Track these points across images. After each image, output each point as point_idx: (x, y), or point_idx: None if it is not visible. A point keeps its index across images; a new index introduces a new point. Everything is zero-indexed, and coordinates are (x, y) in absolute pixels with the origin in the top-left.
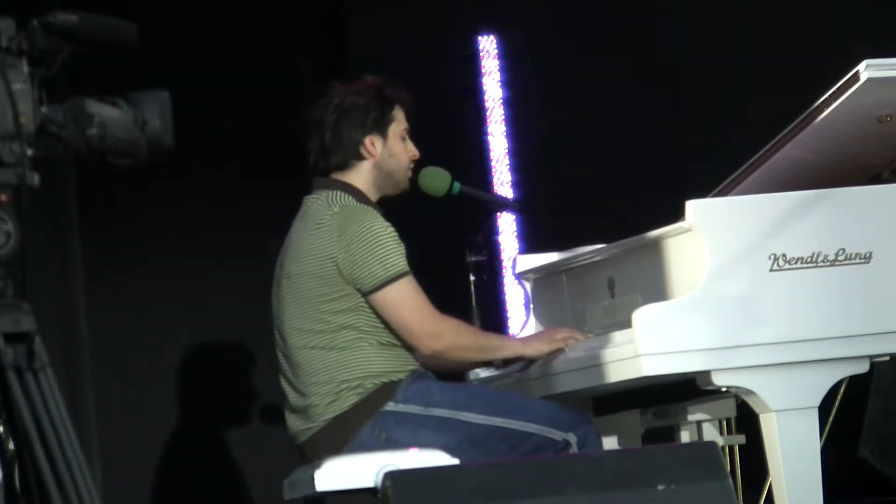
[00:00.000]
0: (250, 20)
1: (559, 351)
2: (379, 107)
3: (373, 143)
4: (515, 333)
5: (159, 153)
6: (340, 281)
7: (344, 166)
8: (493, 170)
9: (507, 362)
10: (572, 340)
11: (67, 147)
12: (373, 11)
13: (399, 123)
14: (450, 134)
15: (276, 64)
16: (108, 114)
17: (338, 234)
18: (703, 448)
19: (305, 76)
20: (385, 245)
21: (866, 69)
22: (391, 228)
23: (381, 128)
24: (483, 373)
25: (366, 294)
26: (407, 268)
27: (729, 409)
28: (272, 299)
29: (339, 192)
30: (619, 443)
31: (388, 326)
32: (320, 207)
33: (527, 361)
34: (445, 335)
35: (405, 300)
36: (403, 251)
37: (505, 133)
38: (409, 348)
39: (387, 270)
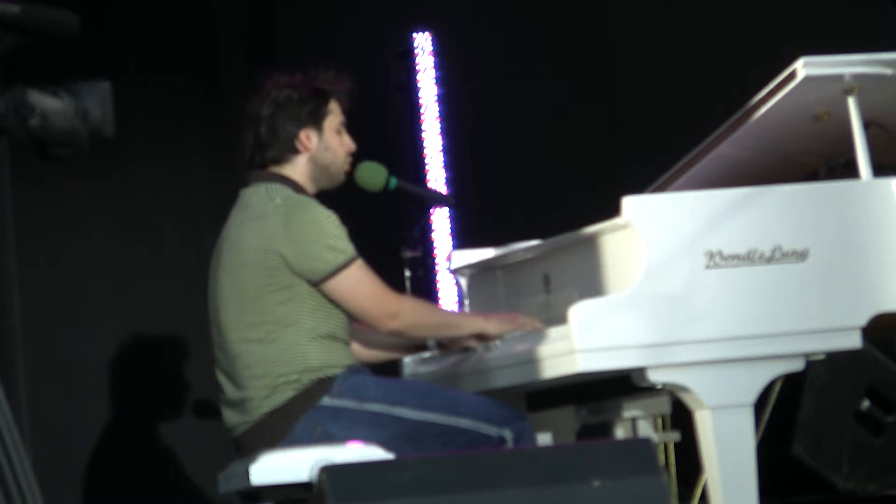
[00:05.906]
0: (181, 19)
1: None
2: (314, 100)
3: (308, 137)
4: None
5: (100, 144)
6: (285, 273)
7: (280, 160)
8: (427, 166)
9: (464, 349)
10: (530, 327)
11: (8, 137)
12: (306, 7)
13: (335, 116)
14: (383, 130)
15: (207, 62)
16: (49, 104)
17: (283, 227)
18: (637, 444)
19: (237, 74)
20: (330, 232)
21: (804, 67)
22: (333, 215)
23: (315, 121)
24: (421, 367)
25: (318, 283)
26: (355, 251)
27: (663, 405)
28: (208, 292)
29: (277, 185)
30: (554, 439)
31: (346, 312)
32: (260, 199)
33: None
34: (404, 314)
35: (360, 283)
36: (347, 234)
37: (439, 130)
38: (346, 342)
39: (337, 257)
